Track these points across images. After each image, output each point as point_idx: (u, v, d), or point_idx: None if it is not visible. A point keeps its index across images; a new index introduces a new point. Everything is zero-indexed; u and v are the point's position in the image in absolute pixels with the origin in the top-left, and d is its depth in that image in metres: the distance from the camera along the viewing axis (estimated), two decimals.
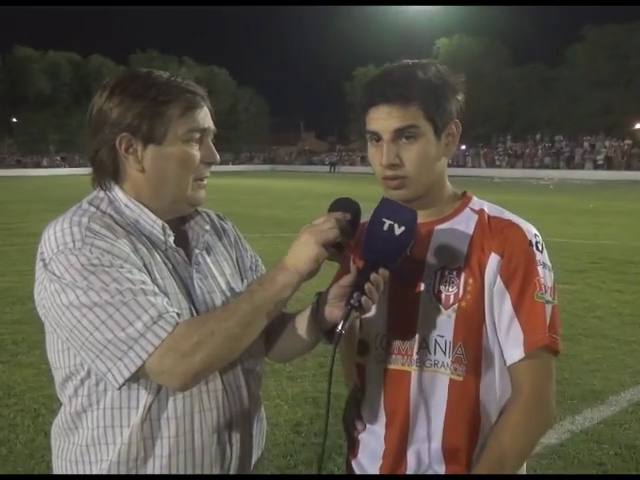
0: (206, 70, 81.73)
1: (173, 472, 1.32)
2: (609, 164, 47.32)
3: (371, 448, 1.51)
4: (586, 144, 50.95)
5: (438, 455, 1.43)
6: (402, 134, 1.38)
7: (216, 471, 1.37)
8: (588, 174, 44.22)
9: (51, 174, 52.15)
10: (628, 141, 49.14)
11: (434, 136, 1.40)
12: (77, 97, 70.00)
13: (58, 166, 61.52)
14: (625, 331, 6.28)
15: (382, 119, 1.38)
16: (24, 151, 67.63)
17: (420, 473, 1.44)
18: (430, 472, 1.44)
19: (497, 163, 54.72)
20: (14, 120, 69.80)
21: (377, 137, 1.40)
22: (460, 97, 1.44)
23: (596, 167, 47.48)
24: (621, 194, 26.88)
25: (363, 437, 1.54)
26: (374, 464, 1.50)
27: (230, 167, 65.07)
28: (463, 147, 59.19)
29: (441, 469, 1.44)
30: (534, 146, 55.05)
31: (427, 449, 1.44)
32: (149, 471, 1.31)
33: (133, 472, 1.31)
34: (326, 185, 31.76)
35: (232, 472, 1.39)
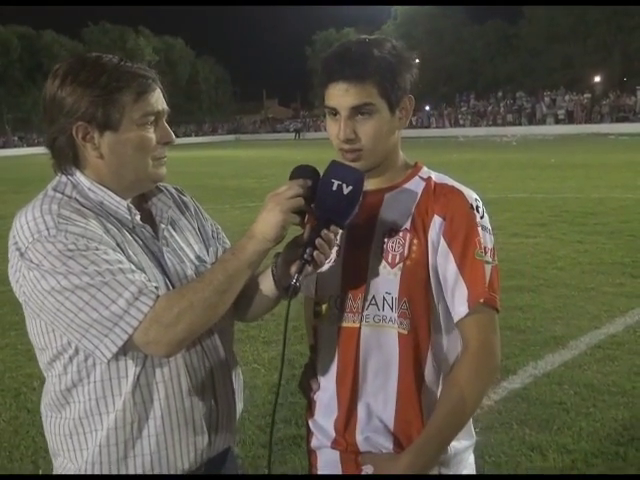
0: (163, 40, 79.81)
1: (167, 431, 1.42)
2: (570, 118, 47.93)
3: (325, 404, 1.61)
4: (547, 99, 51.38)
5: (390, 404, 1.54)
6: (358, 111, 1.46)
7: (206, 425, 1.47)
8: (550, 129, 44.76)
9: (10, 155, 50.85)
10: (587, 95, 49.74)
11: (388, 112, 1.49)
12: (30, 73, 67.81)
13: (16, 146, 59.96)
14: (584, 279, 6.55)
15: (339, 96, 1.46)
16: None
17: (370, 423, 1.55)
18: (378, 422, 1.54)
19: (461, 122, 54.95)
20: None
21: (335, 112, 1.49)
22: (414, 72, 1.52)
23: (557, 122, 48.02)
24: (582, 147, 27.36)
25: (318, 396, 1.64)
26: (329, 419, 1.60)
27: (193, 139, 64.14)
28: (427, 108, 59.20)
29: (391, 417, 1.54)
30: (496, 104, 55.37)
31: (379, 399, 1.54)
32: (145, 433, 1.40)
33: (130, 437, 1.39)
34: (292, 152, 31.65)
35: (220, 424, 1.51)
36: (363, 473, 1.56)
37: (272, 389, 4.21)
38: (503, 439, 3.47)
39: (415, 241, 1.51)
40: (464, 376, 1.49)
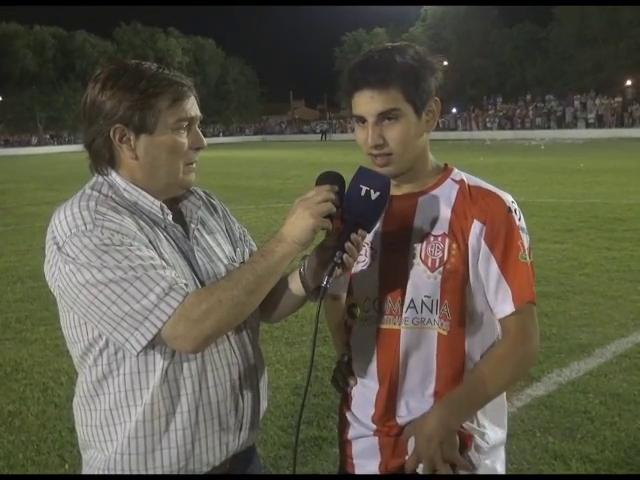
0: (193, 41, 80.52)
1: (194, 425, 1.45)
2: (600, 122, 47.22)
3: (363, 400, 1.65)
4: (577, 103, 50.70)
5: (428, 401, 1.59)
6: (385, 116, 1.50)
7: (232, 421, 1.51)
8: (579, 133, 44.12)
9: (41, 152, 51.66)
10: (619, 98, 48.94)
11: (415, 115, 1.53)
12: (63, 73, 68.87)
13: (48, 144, 61.03)
14: (612, 287, 6.46)
15: (365, 103, 1.51)
16: (12, 130, 66.89)
17: (409, 419, 1.59)
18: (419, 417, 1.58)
19: (488, 125, 54.47)
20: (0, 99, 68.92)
21: (362, 119, 1.53)
22: (439, 75, 1.56)
23: (587, 126, 47.34)
24: (612, 152, 26.93)
25: (356, 391, 1.68)
26: (367, 414, 1.64)
27: (221, 139, 64.58)
28: (454, 110, 58.83)
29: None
30: (525, 107, 54.77)
31: (417, 396, 1.59)
32: (172, 427, 1.44)
33: (158, 430, 1.43)
34: (318, 154, 31.71)
35: (245, 421, 1.54)
36: (409, 447, 1.60)
37: (294, 390, 4.24)
38: (526, 447, 3.44)
39: (454, 245, 1.56)
40: (497, 354, 1.56)
